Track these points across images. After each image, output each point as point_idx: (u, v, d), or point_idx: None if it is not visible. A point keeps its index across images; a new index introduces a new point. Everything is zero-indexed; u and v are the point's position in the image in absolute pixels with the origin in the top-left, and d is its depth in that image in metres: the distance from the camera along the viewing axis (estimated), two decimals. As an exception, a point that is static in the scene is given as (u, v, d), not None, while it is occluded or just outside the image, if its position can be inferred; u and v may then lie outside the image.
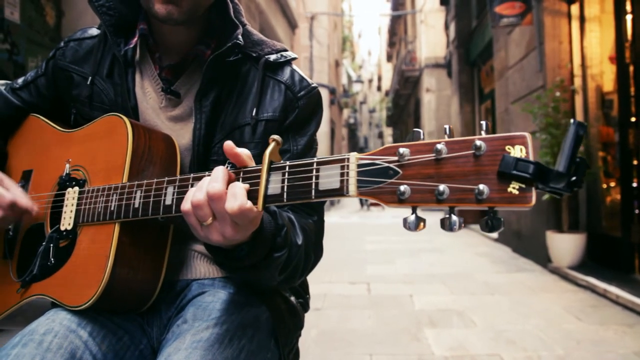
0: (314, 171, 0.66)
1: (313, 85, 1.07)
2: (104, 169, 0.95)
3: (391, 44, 32.55)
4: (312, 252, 0.97)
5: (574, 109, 5.49)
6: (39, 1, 3.91)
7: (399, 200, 0.59)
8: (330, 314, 3.71)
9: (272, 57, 1.05)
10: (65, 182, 1.01)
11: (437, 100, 16.26)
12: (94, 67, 1.07)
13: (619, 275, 4.50)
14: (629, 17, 4.73)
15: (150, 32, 1.03)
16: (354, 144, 39.93)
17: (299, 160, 0.69)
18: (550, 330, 3.23)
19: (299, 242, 0.90)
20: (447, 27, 12.56)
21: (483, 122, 0.58)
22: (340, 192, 0.64)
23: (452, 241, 7.80)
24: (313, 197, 0.66)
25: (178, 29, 1.00)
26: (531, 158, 0.54)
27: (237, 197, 0.68)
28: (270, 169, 0.70)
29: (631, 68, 4.66)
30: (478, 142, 0.56)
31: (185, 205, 0.72)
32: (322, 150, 16.75)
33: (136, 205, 0.85)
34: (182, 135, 1.03)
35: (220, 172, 0.71)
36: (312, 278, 1.08)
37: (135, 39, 1.04)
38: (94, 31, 1.13)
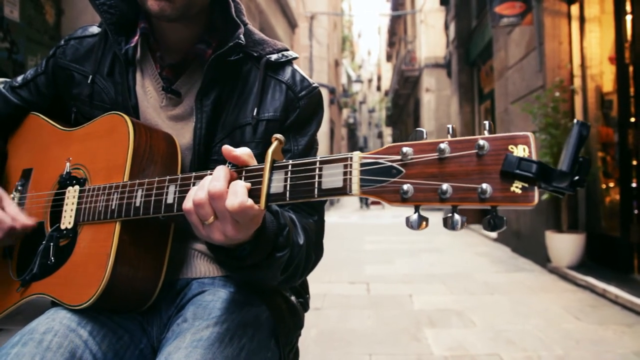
0: (317, 170, 0.66)
1: (314, 85, 1.07)
2: (105, 168, 0.95)
3: (391, 43, 32.57)
4: (313, 251, 0.97)
5: (573, 109, 5.49)
6: (38, 0, 3.90)
7: (402, 199, 0.59)
8: (329, 313, 3.71)
9: (274, 56, 1.04)
10: (66, 180, 1.01)
11: (437, 100, 16.26)
12: (94, 66, 1.07)
13: (618, 275, 4.51)
14: (628, 18, 4.74)
15: (151, 31, 1.03)
16: (354, 144, 39.95)
17: (302, 159, 0.68)
18: (549, 330, 3.23)
19: (301, 242, 0.90)
20: (446, 27, 12.56)
21: (486, 122, 0.58)
22: (343, 191, 0.63)
23: (452, 241, 7.80)
24: (316, 196, 0.66)
25: (177, 27, 1.00)
26: (534, 158, 0.54)
27: (237, 194, 0.68)
28: (272, 168, 0.70)
29: (631, 68, 4.67)
30: (481, 142, 0.56)
31: (187, 204, 0.72)
32: (322, 150, 16.73)
33: (137, 204, 0.85)
34: (183, 135, 1.03)
35: (221, 171, 0.71)
36: (311, 278, 1.08)
37: (136, 37, 1.03)
38: (95, 29, 1.12)
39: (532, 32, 5.87)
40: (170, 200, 0.80)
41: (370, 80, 60.35)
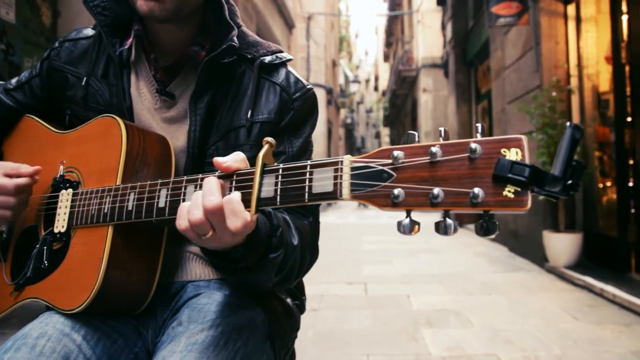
0: (308, 174, 0.66)
1: (308, 86, 1.07)
2: (98, 171, 0.94)
3: (388, 44, 32.58)
4: (308, 253, 0.97)
5: (570, 109, 5.50)
6: (34, 1, 3.89)
7: (393, 203, 0.59)
8: (327, 314, 3.70)
9: (267, 58, 1.04)
10: (60, 183, 1.00)
11: (434, 100, 16.26)
12: (89, 68, 1.06)
13: (615, 274, 4.52)
14: (624, 18, 4.75)
15: (145, 33, 1.02)
16: (351, 144, 39.95)
17: (293, 163, 0.68)
18: (547, 330, 3.23)
19: (295, 242, 0.89)
20: (443, 27, 12.55)
21: (479, 125, 0.58)
22: (333, 195, 0.63)
23: (449, 241, 7.80)
24: (306, 201, 0.65)
25: (170, 28, 1.00)
26: (527, 161, 0.53)
27: (237, 214, 0.68)
28: (263, 172, 0.69)
29: (627, 68, 4.68)
30: (473, 145, 0.56)
31: (183, 224, 0.71)
32: (319, 150, 16.75)
33: (129, 208, 0.84)
34: (177, 137, 1.02)
35: (213, 184, 0.70)
36: (308, 278, 1.08)
37: (131, 39, 1.03)
38: (89, 31, 1.12)
39: (528, 32, 5.88)
40: (161, 204, 0.80)
41: (367, 81, 60.34)
